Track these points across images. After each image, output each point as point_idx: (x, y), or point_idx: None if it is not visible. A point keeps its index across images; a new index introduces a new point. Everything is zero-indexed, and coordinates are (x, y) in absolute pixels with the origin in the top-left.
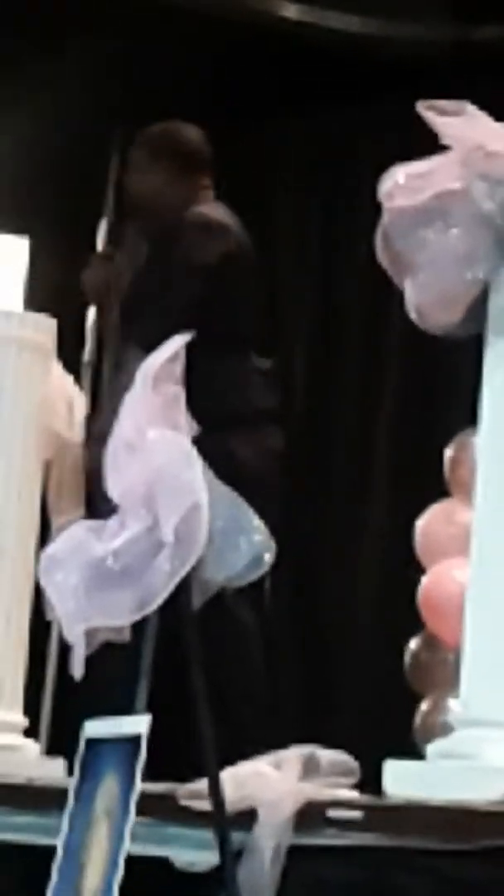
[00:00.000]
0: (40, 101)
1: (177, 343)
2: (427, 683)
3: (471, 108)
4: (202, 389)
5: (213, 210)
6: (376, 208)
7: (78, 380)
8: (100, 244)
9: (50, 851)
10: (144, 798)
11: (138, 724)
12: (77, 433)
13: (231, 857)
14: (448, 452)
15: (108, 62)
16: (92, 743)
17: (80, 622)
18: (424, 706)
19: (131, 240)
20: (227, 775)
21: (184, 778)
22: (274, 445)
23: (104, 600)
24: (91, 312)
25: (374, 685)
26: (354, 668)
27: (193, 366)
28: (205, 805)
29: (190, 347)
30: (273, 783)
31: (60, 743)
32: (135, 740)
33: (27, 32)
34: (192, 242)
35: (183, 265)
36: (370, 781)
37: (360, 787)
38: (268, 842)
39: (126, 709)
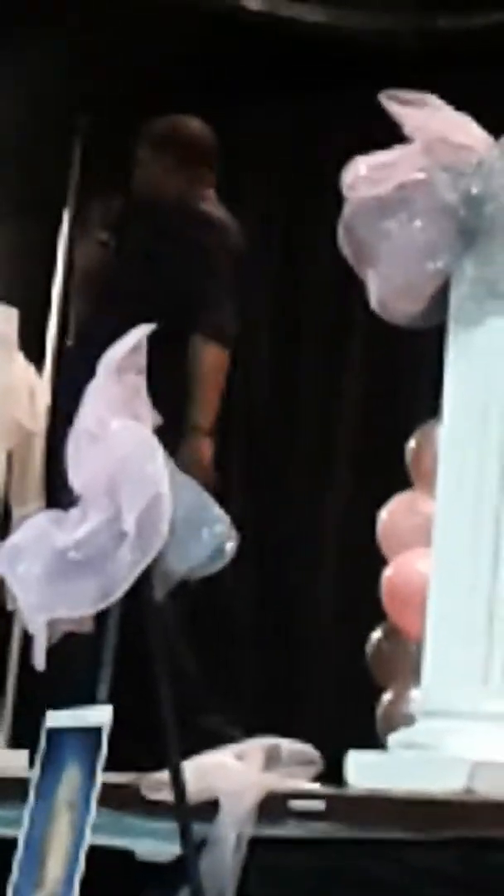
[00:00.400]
0: (3, 87)
1: (139, 333)
2: (389, 674)
3: (433, 99)
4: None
5: (217, 209)
6: (339, 198)
7: (40, 370)
8: (63, 233)
9: (11, 843)
10: (106, 789)
11: (100, 714)
12: (39, 423)
13: (193, 847)
14: (411, 443)
15: (75, 48)
16: (54, 733)
17: (42, 612)
18: (386, 697)
19: (131, 229)
20: (189, 766)
21: (145, 769)
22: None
23: (66, 590)
24: (55, 299)
25: (336, 676)
26: (317, 658)
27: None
28: (167, 796)
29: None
30: (235, 774)
31: (23, 735)
32: (97, 731)
33: None
34: (196, 239)
35: (186, 261)
36: (332, 772)
37: (322, 777)
38: (230, 832)
39: (88, 699)
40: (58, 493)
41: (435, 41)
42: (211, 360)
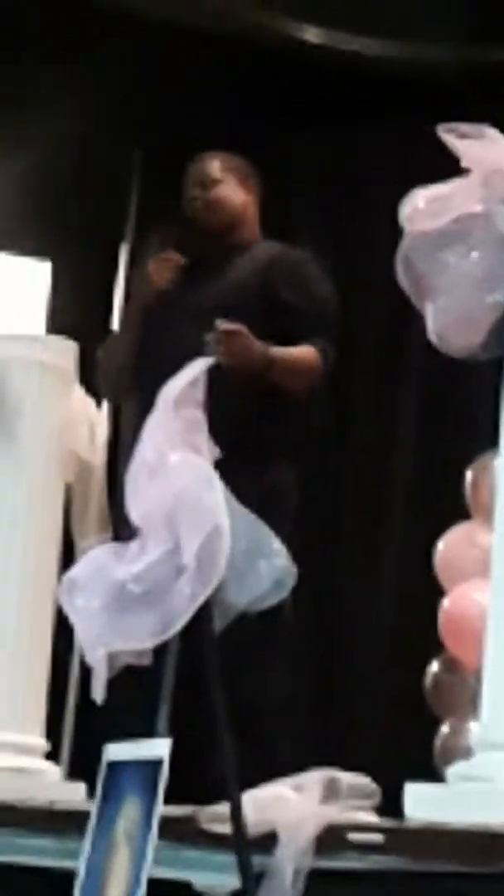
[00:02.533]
0: (61, 124)
1: (198, 367)
2: (447, 706)
3: (490, 131)
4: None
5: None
6: (393, 229)
7: (99, 403)
8: (121, 267)
9: (70, 875)
10: (165, 821)
11: (159, 747)
12: (99, 456)
13: (252, 880)
14: (468, 475)
15: (130, 84)
16: (113, 766)
17: (101, 646)
18: (444, 729)
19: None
20: (248, 798)
21: (204, 801)
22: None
23: (125, 624)
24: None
25: (394, 708)
26: (375, 691)
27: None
28: (225, 828)
29: None
30: (294, 806)
31: (82, 766)
32: (156, 764)
33: (48, 53)
34: (302, 282)
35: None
36: (390, 805)
37: (380, 810)
38: (288, 865)
39: (147, 732)
40: (119, 527)
41: (485, 73)
42: (309, 353)
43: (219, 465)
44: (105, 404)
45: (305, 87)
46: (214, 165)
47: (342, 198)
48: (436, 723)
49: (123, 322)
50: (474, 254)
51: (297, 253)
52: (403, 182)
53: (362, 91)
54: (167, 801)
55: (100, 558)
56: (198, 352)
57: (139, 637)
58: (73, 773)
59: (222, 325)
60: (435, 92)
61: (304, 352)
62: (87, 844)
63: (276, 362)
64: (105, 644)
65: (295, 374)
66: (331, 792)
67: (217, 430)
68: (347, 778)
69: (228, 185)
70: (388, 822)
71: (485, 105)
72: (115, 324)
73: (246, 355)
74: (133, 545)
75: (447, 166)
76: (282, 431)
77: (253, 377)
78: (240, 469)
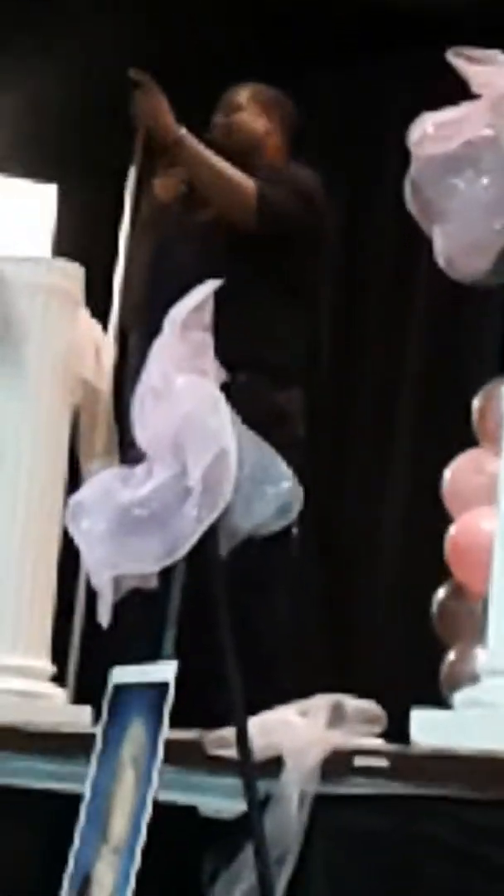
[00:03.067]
0: (67, 48)
1: (205, 290)
2: (454, 633)
3: (501, 57)
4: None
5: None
6: (405, 156)
7: (105, 327)
8: (129, 190)
9: (76, 798)
10: (171, 745)
11: (165, 670)
12: (105, 380)
13: (257, 805)
14: (476, 402)
15: (139, 8)
16: (119, 689)
17: (107, 569)
18: (451, 655)
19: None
20: (254, 723)
21: (210, 725)
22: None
23: (132, 547)
24: (121, 256)
25: (400, 634)
26: (381, 617)
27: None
28: (231, 753)
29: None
30: (299, 731)
31: (88, 690)
32: (162, 687)
33: None
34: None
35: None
36: (396, 730)
37: (386, 735)
38: (294, 789)
39: (153, 656)
40: (126, 451)
41: (498, 5)
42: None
43: (226, 387)
44: (111, 328)
45: (314, 19)
46: (241, 94)
47: (352, 129)
48: (442, 649)
49: (134, 253)
50: (483, 179)
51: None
52: (415, 112)
53: (374, 22)
54: (173, 725)
55: (106, 482)
56: (200, 274)
57: (145, 560)
58: (79, 696)
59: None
60: (447, 23)
61: (237, 172)
62: (92, 768)
63: (186, 141)
64: (111, 567)
65: (213, 176)
66: (337, 717)
67: (225, 352)
68: (353, 703)
69: (249, 113)
70: (393, 748)
71: (497, 36)
72: (122, 247)
73: (158, 118)
74: (139, 469)
75: (460, 97)
76: (290, 355)
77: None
78: (247, 391)
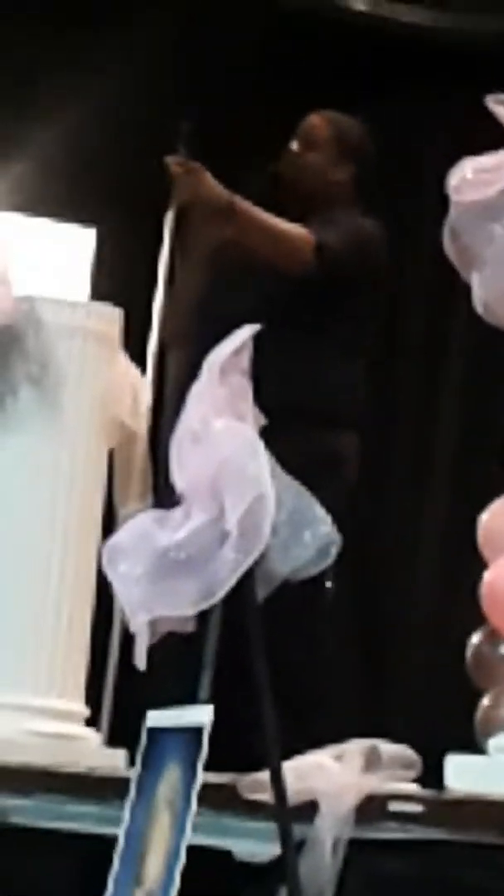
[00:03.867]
0: (108, 91)
1: (244, 334)
2: (489, 678)
3: None
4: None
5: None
6: (442, 199)
7: (143, 370)
8: (166, 234)
9: (110, 841)
10: (206, 789)
11: (201, 714)
12: (142, 423)
13: (292, 849)
14: None
15: (177, 50)
16: (154, 733)
17: (143, 612)
18: (486, 701)
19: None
20: (289, 767)
21: (245, 769)
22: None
23: (168, 590)
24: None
25: (435, 680)
26: (416, 662)
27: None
28: (266, 797)
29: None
30: (334, 776)
31: (122, 733)
32: (197, 731)
33: (94, 20)
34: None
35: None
36: (431, 776)
37: (421, 781)
38: (329, 834)
39: (189, 700)
40: (162, 494)
41: None
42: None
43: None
44: (149, 371)
45: (354, 58)
46: (323, 129)
47: (391, 171)
48: (477, 695)
49: (184, 286)
50: None
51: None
52: (454, 155)
53: (412, 62)
54: (208, 768)
55: (143, 525)
56: (245, 318)
57: (182, 604)
58: (114, 740)
59: (174, 160)
60: (487, 63)
61: (290, 224)
62: (127, 811)
63: (239, 206)
64: (148, 611)
65: (268, 236)
66: (372, 762)
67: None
68: (388, 748)
69: (327, 155)
70: (428, 793)
71: None
72: (160, 290)
73: (203, 192)
74: (177, 512)
75: (499, 138)
76: (345, 400)
77: (216, 220)
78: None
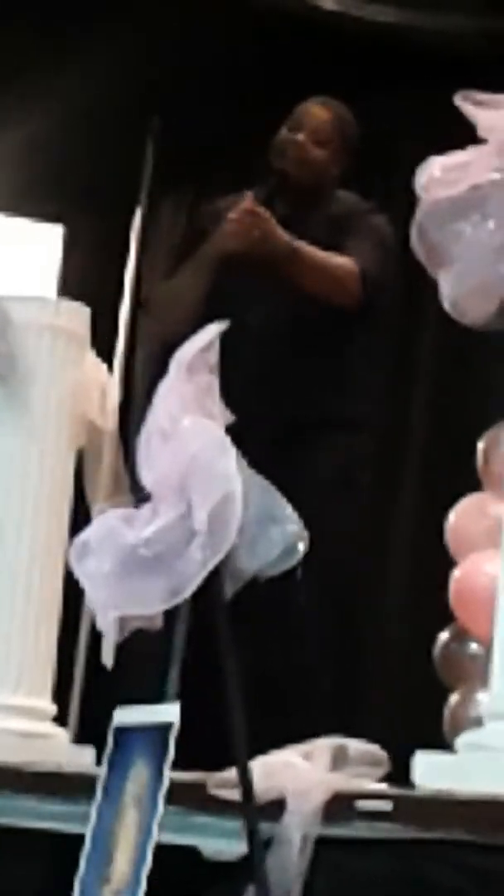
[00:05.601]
0: (75, 89)
1: (211, 331)
2: (457, 676)
3: None
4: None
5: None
6: (410, 198)
7: (110, 367)
8: (134, 232)
9: (79, 839)
10: (174, 787)
11: (169, 712)
12: (110, 420)
13: (260, 846)
14: (480, 446)
15: (145, 49)
16: (122, 731)
17: (111, 610)
18: (454, 699)
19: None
20: (257, 765)
21: (213, 767)
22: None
23: (136, 588)
24: (127, 296)
25: (403, 677)
26: (384, 660)
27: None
28: (234, 794)
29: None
30: (302, 773)
31: (90, 731)
32: (165, 729)
33: (68, 15)
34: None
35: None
36: (399, 773)
37: (389, 778)
38: (296, 832)
39: (157, 697)
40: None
41: (501, 42)
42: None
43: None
44: (116, 369)
45: (322, 55)
46: (326, 122)
47: (357, 169)
48: (445, 692)
49: (182, 285)
50: (489, 222)
51: (365, 206)
52: (426, 153)
53: (379, 60)
54: (175, 766)
55: (111, 522)
56: (268, 333)
57: (149, 601)
58: (82, 737)
59: (242, 205)
60: (452, 61)
61: (338, 258)
62: (94, 808)
63: (301, 253)
64: (115, 608)
65: (324, 276)
66: (339, 760)
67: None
68: (356, 746)
69: (330, 150)
70: (396, 791)
71: (502, 75)
72: (128, 288)
73: (266, 239)
74: (144, 509)
75: (465, 136)
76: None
77: (274, 267)
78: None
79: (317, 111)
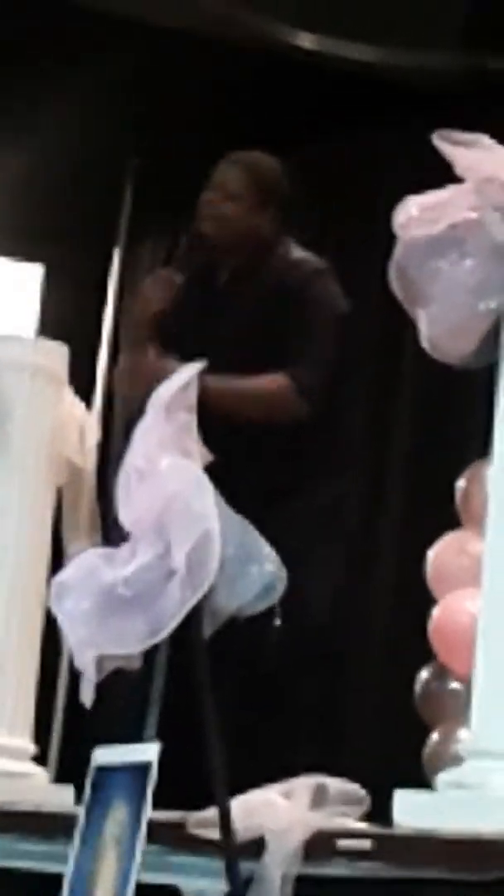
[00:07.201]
0: (54, 129)
1: (190, 371)
2: (437, 714)
3: (486, 140)
4: None
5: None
6: (389, 237)
7: (89, 406)
8: (114, 271)
9: (58, 879)
10: (154, 826)
11: (148, 751)
12: (89, 459)
13: (240, 885)
14: (460, 483)
15: (124, 90)
16: (101, 770)
17: (90, 649)
18: (434, 736)
19: (197, 267)
20: (237, 804)
21: (193, 806)
22: None
23: (115, 627)
24: (105, 335)
25: (383, 715)
26: (364, 697)
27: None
28: (214, 833)
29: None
30: (282, 812)
31: (70, 770)
32: (144, 768)
33: (43, 58)
34: (320, 293)
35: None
36: (379, 812)
37: (369, 817)
38: (276, 871)
39: (136, 737)
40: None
41: (483, 80)
42: (275, 381)
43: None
44: (95, 408)
45: (302, 95)
46: (238, 179)
47: (338, 207)
48: (425, 730)
49: (130, 341)
50: (467, 261)
51: (310, 269)
52: (400, 193)
53: (358, 98)
54: (156, 805)
55: (90, 562)
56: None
57: (128, 641)
58: (62, 777)
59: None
60: (430, 99)
61: (262, 380)
62: (74, 848)
63: (210, 395)
64: (94, 648)
65: (252, 406)
66: (320, 798)
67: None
68: (336, 784)
69: (246, 203)
70: (376, 829)
71: (480, 113)
72: (106, 328)
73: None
74: (123, 549)
75: (443, 174)
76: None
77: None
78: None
79: (223, 167)
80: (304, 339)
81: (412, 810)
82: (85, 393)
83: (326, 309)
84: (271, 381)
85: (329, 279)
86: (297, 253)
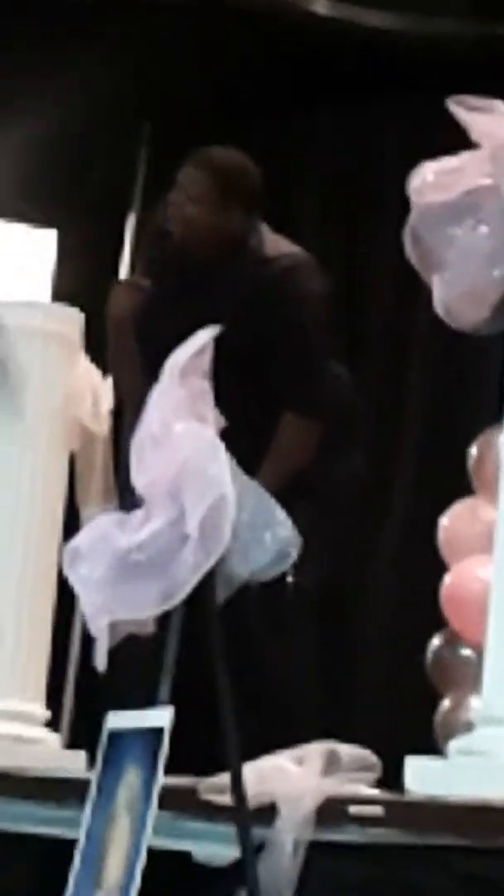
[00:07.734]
0: (69, 93)
1: (205, 336)
2: (449, 681)
3: (499, 105)
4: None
5: (290, 245)
6: (403, 204)
7: (104, 372)
8: (128, 237)
9: (70, 844)
10: (165, 791)
11: (161, 716)
12: (103, 425)
13: (251, 851)
14: (472, 450)
15: (139, 55)
16: (114, 735)
17: (104, 614)
18: (446, 704)
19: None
20: (249, 770)
21: (205, 772)
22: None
23: (128, 593)
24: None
25: (395, 682)
26: (376, 665)
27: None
28: (226, 799)
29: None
30: (294, 778)
31: (82, 735)
32: (157, 733)
33: (57, 23)
34: (297, 280)
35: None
36: (391, 778)
37: (380, 783)
38: (288, 837)
39: (149, 702)
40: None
41: (492, 47)
42: (296, 437)
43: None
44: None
45: (314, 61)
46: (201, 180)
47: (350, 173)
48: (437, 697)
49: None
50: (482, 227)
51: (277, 270)
52: (412, 156)
53: (371, 65)
54: (168, 771)
55: (103, 527)
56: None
57: (142, 606)
58: (74, 742)
59: None
60: (442, 66)
61: (284, 440)
62: (87, 813)
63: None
64: (108, 613)
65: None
66: (331, 764)
67: None
68: (348, 750)
69: (210, 204)
70: (388, 796)
71: (492, 79)
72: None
73: None
74: (137, 514)
75: (457, 140)
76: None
77: None
78: None
79: (188, 169)
80: (296, 360)
81: (423, 777)
82: (100, 358)
83: (304, 309)
84: (296, 443)
85: (303, 273)
86: (272, 247)
